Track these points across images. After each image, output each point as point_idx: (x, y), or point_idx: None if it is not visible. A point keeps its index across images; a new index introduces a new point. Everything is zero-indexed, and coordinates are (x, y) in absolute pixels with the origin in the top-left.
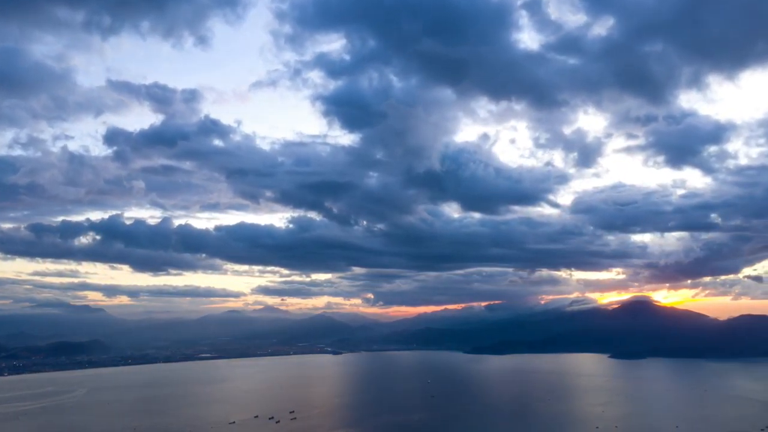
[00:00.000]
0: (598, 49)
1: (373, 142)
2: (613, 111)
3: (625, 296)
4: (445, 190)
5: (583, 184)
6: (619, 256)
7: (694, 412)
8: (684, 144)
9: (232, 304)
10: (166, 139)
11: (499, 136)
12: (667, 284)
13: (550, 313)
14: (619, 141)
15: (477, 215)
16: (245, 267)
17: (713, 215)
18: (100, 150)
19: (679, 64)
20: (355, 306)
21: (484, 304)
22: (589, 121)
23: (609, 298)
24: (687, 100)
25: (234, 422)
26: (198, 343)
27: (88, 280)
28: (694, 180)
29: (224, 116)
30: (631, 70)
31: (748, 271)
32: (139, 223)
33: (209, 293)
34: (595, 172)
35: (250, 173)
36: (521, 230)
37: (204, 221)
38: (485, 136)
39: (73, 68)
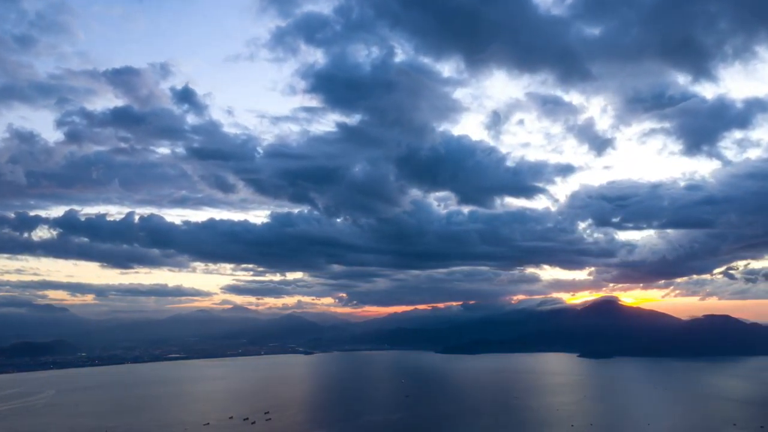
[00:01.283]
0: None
1: (368, 121)
2: (636, 89)
3: (594, 297)
4: (440, 178)
5: (588, 176)
6: (602, 255)
7: (664, 410)
8: (707, 127)
9: (200, 303)
10: (132, 119)
11: (508, 118)
12: (641, 284)
13: (520, 313)
14: (637, 126)
15: (467, 209)
16: (214, 265)
17: (710, 211)
18: (57, 137)
19: (727, 30)
20: (326, 306)
21: (454, 304)
22: (603, 104)
23: (580, 299)
24: (725, 76)
25: (208, 423)
26: (167, 344)
27: (50, 278)
28: (705, 171)
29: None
30: (671, 38)
31: (719, 270)
32: (101, 217)
33: (177, 292)
34: (604, 163)
35: (223, 157)
36: (511, 226)
37: (173, 216)
38: (492, 119)
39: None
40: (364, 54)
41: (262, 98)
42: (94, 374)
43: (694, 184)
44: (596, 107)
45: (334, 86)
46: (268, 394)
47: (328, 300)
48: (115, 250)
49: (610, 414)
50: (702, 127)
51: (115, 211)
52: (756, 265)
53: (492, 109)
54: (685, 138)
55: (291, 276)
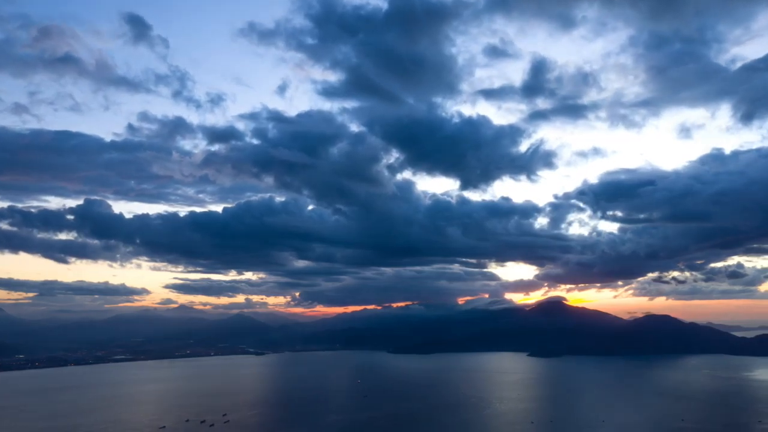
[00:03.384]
0: None
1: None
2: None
3: (542, 297)
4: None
5: (604, 164)
6: (576, 251)
7: (615, 407)
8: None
9: (142, 303)
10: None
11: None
12: (598, 284)
13: (471, 313)
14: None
15: (453, 194)
16: (158, 262)
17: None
18: None
19: None
20: (276, 305)
21: (402, 304)
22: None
23: (533, 299)
24: None
25: (164, 427)
26: (110, 345)
27: None
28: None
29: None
30: None
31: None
32: (40, 208)
33: (118, 291)
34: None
35: (172, 128)
36: (494, 217)
37: (114, 208)
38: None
39: None
40: None
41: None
42: (36, 377)
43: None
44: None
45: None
46: (224, 396)
47: (279, 299)
48: (54, 243)
49: (566, 411)
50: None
51: (56, 203)
52: (716, 264)
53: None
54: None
55: (239, 274)
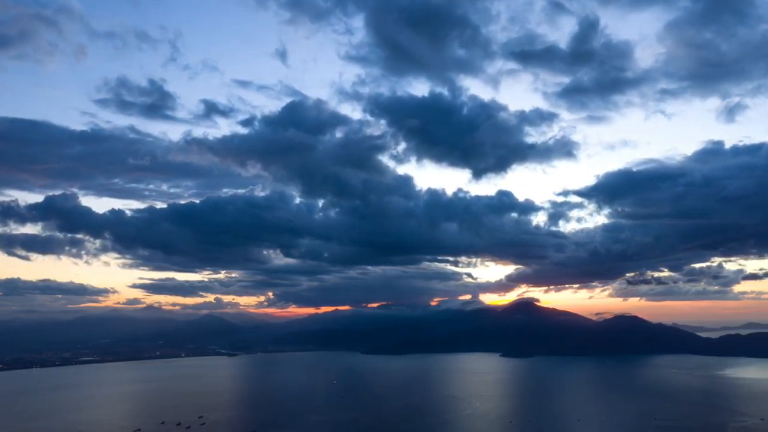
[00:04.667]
0: None
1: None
2: None
3: (515, 298)
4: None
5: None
6: (564, 250)
7: (589, 405)
8: None
9: (105, 303)
10: None
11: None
12: (577, 284)
13: (442, 314)
14: None
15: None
16: (125, 260)
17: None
18: None
19: None
20: (247, 306)
21: (376, 305)
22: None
23: (509, 300)
24: None
25: (139, 430)
26: (77, 346)
27: None
28: None
29: None
30: None
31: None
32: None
33: (84, 291)
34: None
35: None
36: (493, 213)
37: (83, 201)
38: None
39: None
40: None
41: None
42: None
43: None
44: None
45: None
46: (199, 398)
47: (251, 299)
48: (15, 238)
49: (542, 411)
50: None
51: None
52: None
53: None
54: None
55: (215, 273)
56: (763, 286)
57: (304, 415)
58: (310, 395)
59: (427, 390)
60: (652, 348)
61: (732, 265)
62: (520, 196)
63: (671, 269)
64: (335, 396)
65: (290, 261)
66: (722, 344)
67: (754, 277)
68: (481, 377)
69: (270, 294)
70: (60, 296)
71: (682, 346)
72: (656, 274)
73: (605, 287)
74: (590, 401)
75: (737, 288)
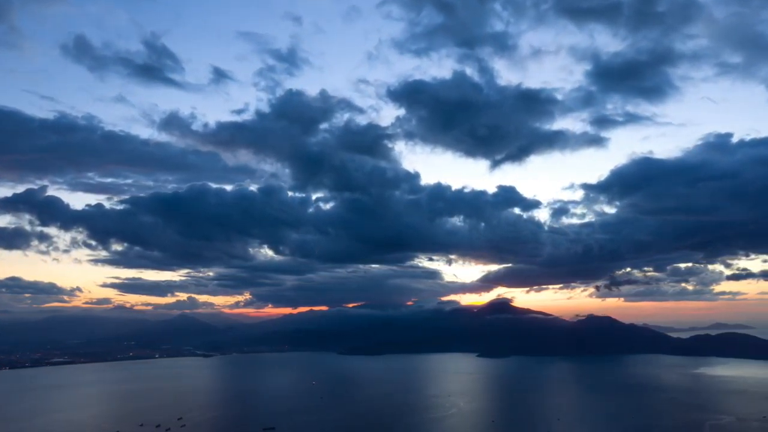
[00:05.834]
0: None
1: None
2: None
3: (492, 298)
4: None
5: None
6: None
7: (567, 404)
8: None
9: (74, 302)
10: None
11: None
12: (559, 284)
13: (419, 314)
14: None
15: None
16: (96, 257)
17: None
18: None
19: None
20: (222, 306)
21: (351, 305)
22: None
23: (482, 301)
24: None
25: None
26: (47, 347)
27: None
28: None
29: None
30: None
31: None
32: None
33: (48, 290)
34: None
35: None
36: (497, 208)
37: (55, 195)
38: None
39: None
40: None
41: None
42: None
43: None
44: None
45: None
46: (177, 399)
47: (227, 299)
48: None
49: (523, 409)
50: None
51: None
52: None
53: None
54: None
55: (187, 272)
56: (741, 287)
57: (287, 416)
58: (291, 396)
59: (408, 390)
60: (625, 348)
61: (716, 266)
62: (526, 192)
63: (656, 269)
64: (316, 397)
65: (276, 258)
66: (692, 344)
67: (736, 277)
68: (459, 377)
69: (247, 294)
70: (28, 295)
71: (654, 346)
72: (639, 274)
73: (586, 288)
74: (568, 400)
75: (717, 288)
